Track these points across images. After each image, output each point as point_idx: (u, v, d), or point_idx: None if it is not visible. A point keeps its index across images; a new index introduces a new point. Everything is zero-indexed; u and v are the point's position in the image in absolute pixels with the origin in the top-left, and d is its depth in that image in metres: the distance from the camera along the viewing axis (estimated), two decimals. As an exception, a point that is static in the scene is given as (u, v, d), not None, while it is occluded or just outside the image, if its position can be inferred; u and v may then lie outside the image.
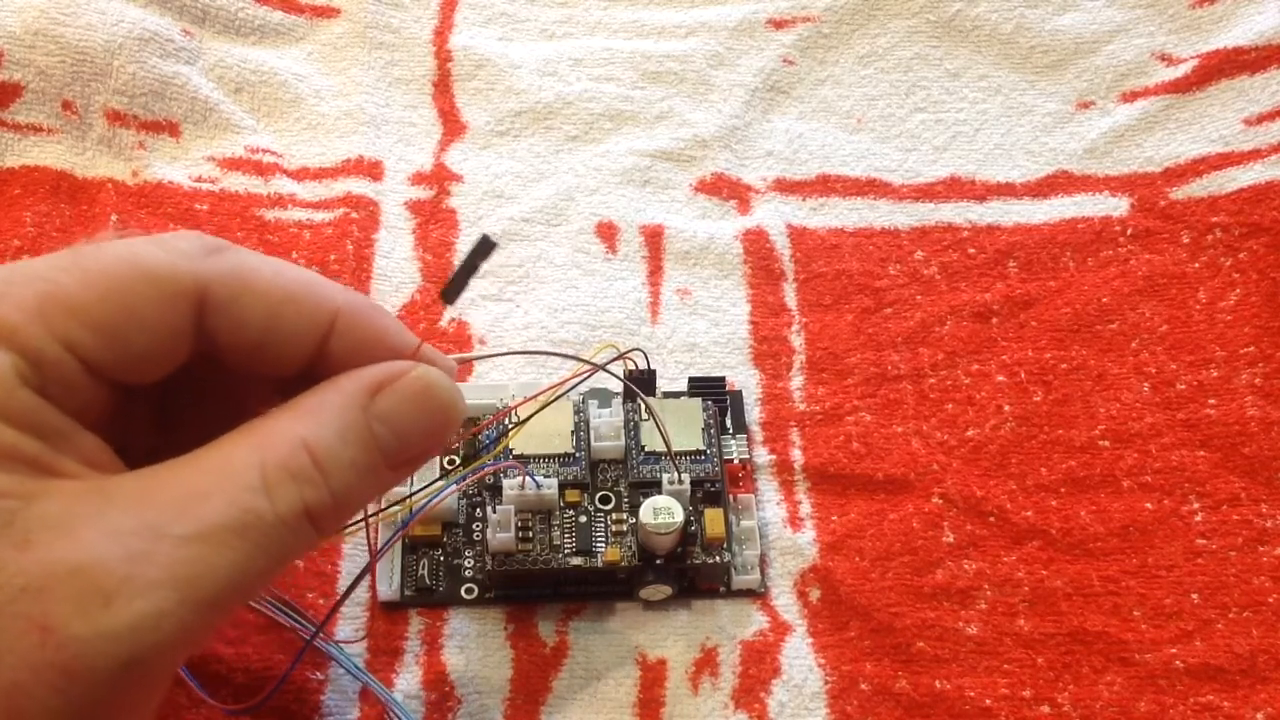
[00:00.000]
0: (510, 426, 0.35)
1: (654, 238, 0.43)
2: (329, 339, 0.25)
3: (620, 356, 0.35)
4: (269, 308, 0.24)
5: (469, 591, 0.35)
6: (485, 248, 0.25)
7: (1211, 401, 0.39)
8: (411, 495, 0.34)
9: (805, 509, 0.37)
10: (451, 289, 0.26)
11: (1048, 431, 0.39)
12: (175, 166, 0.43)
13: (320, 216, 0.43)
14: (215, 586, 0.21)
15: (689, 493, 0.35)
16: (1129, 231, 0.43)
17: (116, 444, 0.24)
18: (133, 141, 0.43)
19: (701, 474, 0.36)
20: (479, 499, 0.36)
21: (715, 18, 0.49)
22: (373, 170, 0.44)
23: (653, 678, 0.34)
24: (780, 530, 0.37)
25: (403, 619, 0.35)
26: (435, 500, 0.34)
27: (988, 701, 0.33)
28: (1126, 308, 0.41)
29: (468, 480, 0.35)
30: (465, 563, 0.35)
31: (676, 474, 0.35)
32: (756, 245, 0.43)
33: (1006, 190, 0.45)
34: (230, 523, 0.22)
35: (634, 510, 0.35)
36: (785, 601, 0.35)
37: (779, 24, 0.49)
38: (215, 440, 0.23)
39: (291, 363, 0.25)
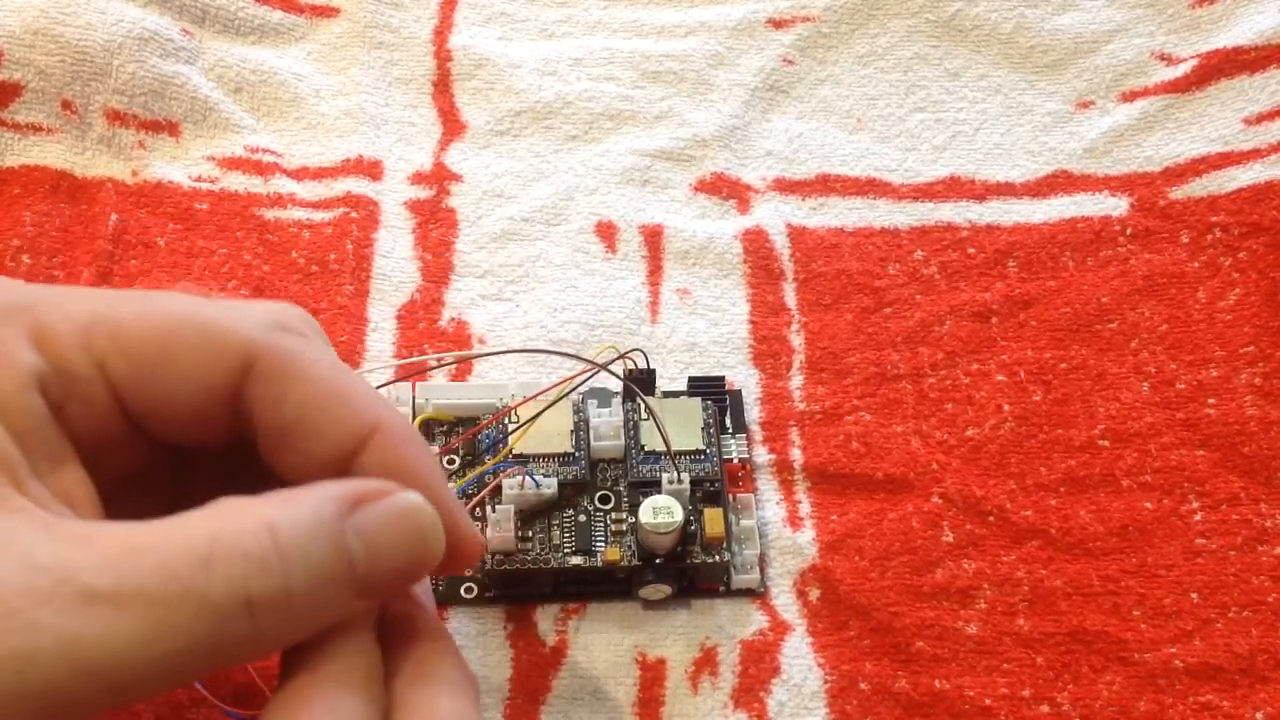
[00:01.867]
0: (513, 428, 0.35)
1: (654, 237, 0.43)
2: (362, 452, 0.24)
3: (620, 357, 0.36)
4: (311, 396, 0.23)
5: (468, 591, 0.35)
6: None
7: (1211, 401, 0.39)
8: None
9: (805, 508, 0.37)
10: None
11: (1047, 431, 0.39)
12: (175, 166, 0.43)
13: (320, 216, 0.43)
14: (103, 653, 0.19)
15: (688, 492, 0.35)
16: (1129, 231, 0.43)
17: (137, 507, 0.22)
18: (132, 141, 0.43)
19: (701, 473, 0.36)
20: (475, 495, 0.36)
21: (715, 18, 0.49)
22: (372, 170, 0.44)
23: (652, 677, 0.34)
24: (780, 530, 0.37)
25: (402, 618, 0.35)
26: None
27: (987, 701, 0.34)
28: (1126, 307, 0.41)
29: (482, 494, 0.35)
30: (465, 562, 0.35)
31: (676, 473, 0.35)
32: (756, 245, 0.43)
33: (1006, 190, 0.45)
34: (151, 588, 0.19)
35: (633, 510, 0.35)
36: (785, 601, 0.35)
37: (779, 24, 0.49)
38: (192, 511, 0.21)
39: (320, 464, 0.24)
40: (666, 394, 0.38)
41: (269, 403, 0.23)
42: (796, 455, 0.38)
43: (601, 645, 0.34)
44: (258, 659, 0.22)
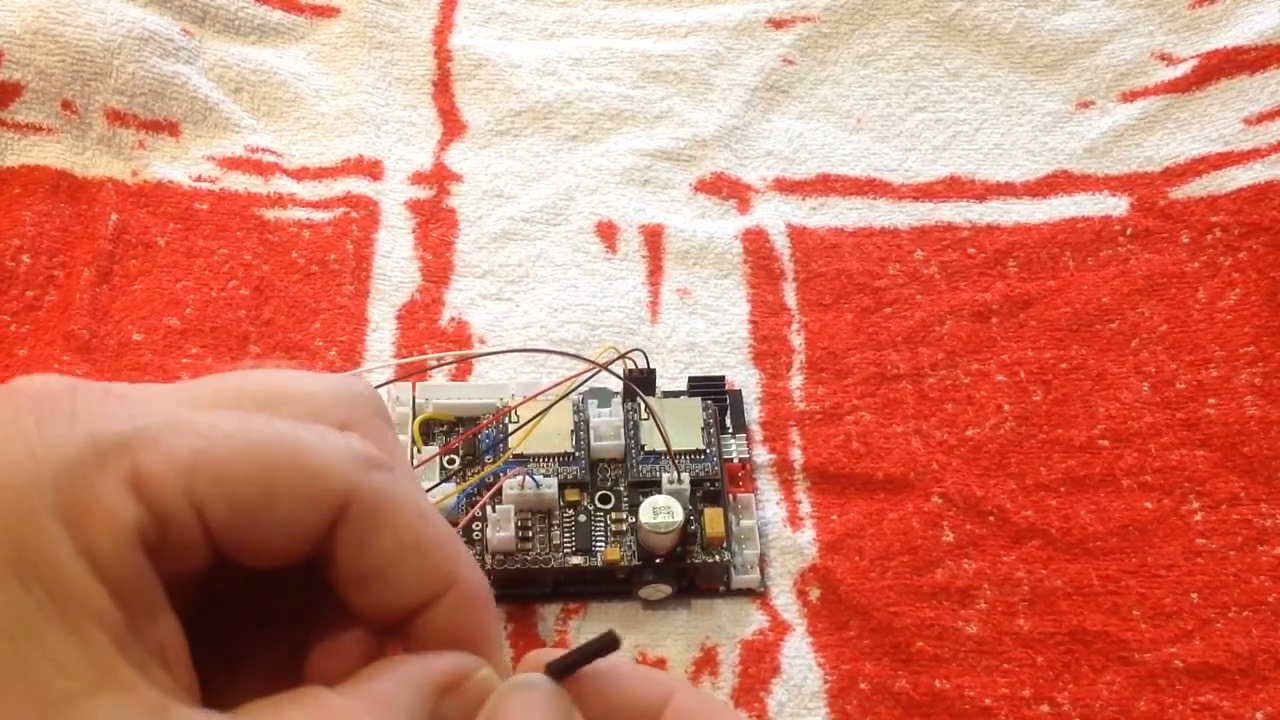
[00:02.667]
0: (513, 429, 0.35)
1: (654, 237, 0.43)
2: (433, 606, 0.24)
3: (620, 357, 0.36)
4: (395, 549, 0.23)
5: (469, 591, 0.35)
6: (608, 644, 0.25)
7: (1211, 401, 0.39)
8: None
9: (805, 508, 0.37)
10: (560, 665, 0.25)
11: (1047, 431, 0.39)
12: (175, 166, 0.43)
13: (320, 216, 0.43)
14: None
15: (689, 492, 0.35)
16: (1129, 231, 0.43)
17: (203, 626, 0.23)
18: (133, 141, 0.43)
19: (701, 473, 0.36)
20: (478, 498, 0.36)
21: (715, 18, 0.49)
22: (372, 170, 0.44)
23: (652, 677, 0.34)
24: (780, 530, 0.37)
25: (402, 618, 0.35)
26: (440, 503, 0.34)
27: (987, 701, 0.33)
28: (1126, 307, 0.41)
29: (484, 496, 0.35)
30: (465, 562, 0.35)
31: (676, 473, 0.35)
32: (756, 245, 0.43)
33: (1006, 190, 0.45)
34: None
35: (634, 510, 0.35)
36: (785, 601, 0.35)
37: (779, 24, 0.49)
38: (280, 704, 0.22)
39: (389, 609, 0.24)
40: (666, 394, 0.38)
41: (353, 547, 0.23)
42: (796, 455, 0.38)
43: (601, 645, 0.34)
44: None
